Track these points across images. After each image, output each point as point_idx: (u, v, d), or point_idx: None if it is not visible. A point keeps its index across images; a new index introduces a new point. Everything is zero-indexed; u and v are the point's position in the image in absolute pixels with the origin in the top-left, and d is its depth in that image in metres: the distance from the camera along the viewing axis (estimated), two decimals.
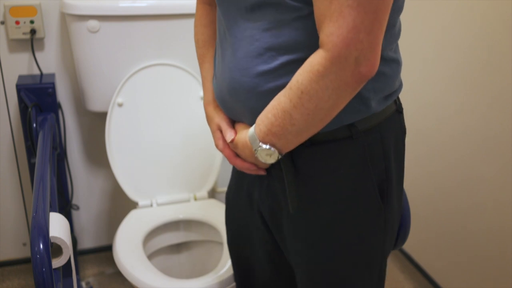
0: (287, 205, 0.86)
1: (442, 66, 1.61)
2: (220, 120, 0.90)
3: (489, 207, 1.47)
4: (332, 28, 0.66)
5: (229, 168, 1.86)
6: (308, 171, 0.82)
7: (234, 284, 1.22)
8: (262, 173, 0.86)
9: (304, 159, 0.81)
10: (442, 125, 1.64)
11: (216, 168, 1.64)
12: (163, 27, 1.54)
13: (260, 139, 0.78)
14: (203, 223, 1.52)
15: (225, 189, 1.86)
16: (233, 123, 0.89)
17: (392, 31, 0.79)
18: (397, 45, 0.84)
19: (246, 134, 0.82)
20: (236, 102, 0.83)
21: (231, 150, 0.88)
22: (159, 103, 1.58)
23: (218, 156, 1.64)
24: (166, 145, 1.60)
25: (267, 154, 0.78)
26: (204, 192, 1.64)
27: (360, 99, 0.77)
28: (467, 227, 1.57)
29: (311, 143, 0.79)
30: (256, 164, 0.85)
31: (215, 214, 1.53)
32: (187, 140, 1.62)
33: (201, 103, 1.61)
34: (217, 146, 0.91)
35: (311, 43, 0.72)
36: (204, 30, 0.98)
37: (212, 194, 1.85)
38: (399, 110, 0.87)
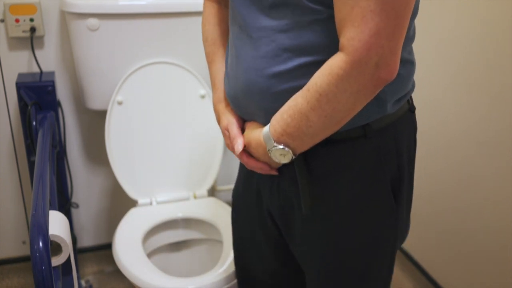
0: (298, 205, 0.86)
1: (443, 66, 1.61)
2: (230, 122, 0.89)
3: (488, 206, 1.47)
4: (354, 32, 0.66)
5: (229, 166, 1.86)
6: (322, 170, 0.82)
7: (233, 282, 1.22)
8: (274, 173, 0.86)
9: (317, 158, 0.81)
10: (442, 125, 1.64)
11: (216, 167, 1.64)
12: (163, 25, 1.54)
13: (275, 139, 0.78)
14: (202, 221, 1.52)
15: (224, 187, 1.87)
16: (243, 122, 0.89)
17: (408, 34, 0.79)
18: (411, 47, 0.84)
19: (260, 133, 0.81)
20: (250, 101, 0.83)
21: (244, 150, 0.87)
22: (158, 101, 1.58)
23: (218, 154, 1.64)
24: (166, 143, 1.60)
25: (281, 154, 0.78)
26: (203, 191, 1.64)
27: (376, 101, 0.77)
28: (467, 226, 1.58)
29: (325, 142, 0.79)
30: (268, 163, 0.85)
31: (215, 212, 1.53)
32: (187, 139, 1.62)
33: (200, 101, 1.61)
34: (227, 145, 0.91)
35: (329, 46, 0.72)
36: (213, 28, 0.97)
37: (212, 192, 1.85)
38: (411, 109, 0.88)
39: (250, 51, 0.80)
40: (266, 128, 0.80)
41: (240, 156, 0.88)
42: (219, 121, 0.94)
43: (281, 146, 0.78)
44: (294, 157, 0.79)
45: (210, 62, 0.98)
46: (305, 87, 0.73)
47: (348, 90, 0.69)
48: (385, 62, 0.67)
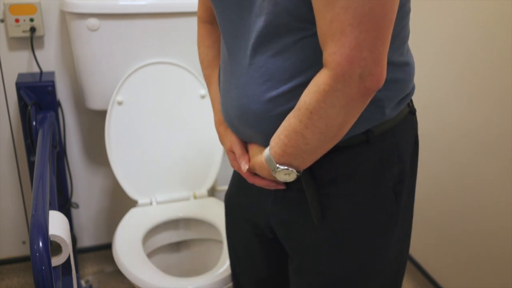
0: (304, 216, 0.86)
1: (445, 69, 1.61)
2: (233, 142, 0.89)
3: (489, 208, 1.47)
4: (335, 47, 0.66)
5: (229, 166, 1.86)
6: (327, 178, 0.82)
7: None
8: (282, 187, 0.86)
9: (321, 166, 0.81)
10: (444, 128, 1.64)
11: (216, 167, 1.64)
12: (163, 25, 1.54)
13: (276, 161, 0.78)
14: (202, 221, 1.52)
15: (224, 187, 1.87)
16: (245, 143, 0.89)
17: (401, 35, 0.78)
18: (407, 47, 0.83)
19: (262, 156, 0.82)
20: (246, 127, 0.83)
21: (249, 170, 0.88)
22: (158, 101, 1.58)
23: (218, 154, 1.64)
24: (166, 143, 1.60)
25: (286, 174, 0.79)
26: (203, 191, 1.64)
27: (375, 107, 0.77)
28: (468, 228, 1.57)
29: (329, 150, 0.78)
30: (274, 180, 0.85)
31: (215, 212, 1.53)
32: (187, 139, 1.62)
33: (200, 101, 1.61)
34: (233, 166, 0.91)
35: (318, 62, 0.71)
36: (208, 51, 0.97)
37: (212, 192, 1.85)
38: (412, 111, 0.87)
39: (240, 79, 0.80)
40: (266, 151, 0.80)
41: (246, 175, 0.88)
42: (222, 142, 0.94)
43: (284, 167, 0.78)
44: (298, 174, 0.79)
45: (208, 84, 0.98)
46: (296, 107, 0.73)
47: (337, 104, 0.69)
48: (369, 72, 0.67)
